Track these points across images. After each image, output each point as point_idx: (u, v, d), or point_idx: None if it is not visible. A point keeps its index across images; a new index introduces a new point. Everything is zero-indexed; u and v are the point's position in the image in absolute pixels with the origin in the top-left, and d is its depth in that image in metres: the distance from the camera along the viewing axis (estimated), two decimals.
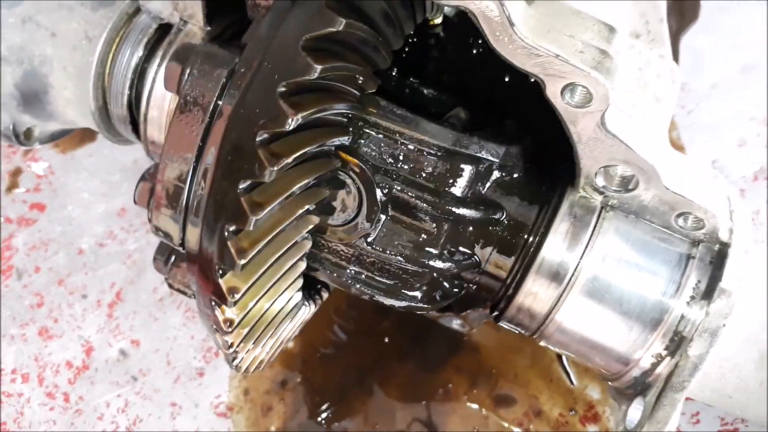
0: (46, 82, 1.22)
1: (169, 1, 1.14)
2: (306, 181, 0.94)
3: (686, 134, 1.82)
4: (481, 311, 1.42)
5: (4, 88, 1.23)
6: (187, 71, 0.98)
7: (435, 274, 1.11)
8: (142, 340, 1.78)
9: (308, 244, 1.03)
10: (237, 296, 0.95)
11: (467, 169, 1.05)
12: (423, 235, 1.07)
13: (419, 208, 1.06)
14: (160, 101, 1.18)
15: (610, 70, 0.88)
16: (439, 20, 1.19)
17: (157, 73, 1.18)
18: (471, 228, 1.08)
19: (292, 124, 0.87)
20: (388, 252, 1.09)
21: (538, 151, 1.14)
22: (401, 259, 1.10)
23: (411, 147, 1.04)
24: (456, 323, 1.69)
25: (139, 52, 1.19)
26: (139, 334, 1.78)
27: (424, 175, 1.05)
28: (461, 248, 1.09)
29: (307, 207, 0.97)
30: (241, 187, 0.89)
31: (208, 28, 1.16)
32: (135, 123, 1.26)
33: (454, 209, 1.05)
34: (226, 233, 0.91)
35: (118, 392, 1.73)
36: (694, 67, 1.87)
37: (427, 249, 1.08)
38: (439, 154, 1.04)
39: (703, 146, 1.82)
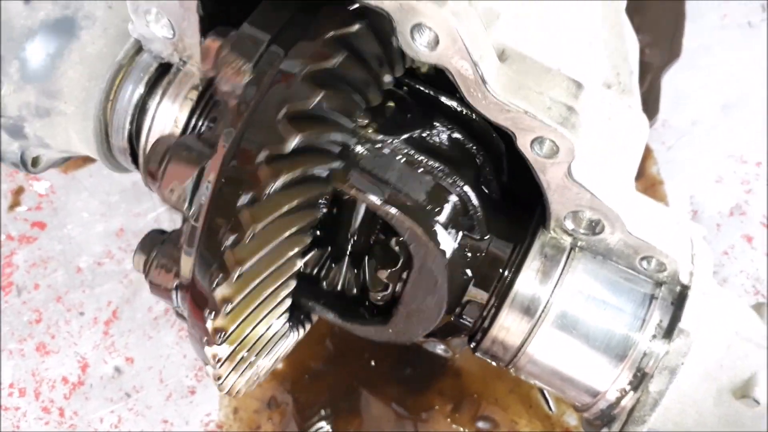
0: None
1: (170, 42, 1.21)
2: (287, 234, 1.00)
3: (665, 169, 1.89)
4: (463, 337, 1.49)
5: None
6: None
7: None
8: (136, 358, 1.84)
9: (298, 263, 1.08)
10: (224, 337, 1.01)
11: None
12: None
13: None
14: (158, 136, 1.25)
15: (576, 125, 0.95)
16: (425, 69, 1.25)
17: (156, 109, 1.25)
18: None
19: (290, 145, 0.93)
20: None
21: (516, 188, 1.21)
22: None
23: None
24: (440, 348, 1.75)
25: (141, 89, 1.26)
26: (133, 352, 1.84)
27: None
28: None
29: (290, 254, 1.03)
30: (225, 243, 0.95)
31: (207, 68, 1.22)
32: (135, 154, 1.33)
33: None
34: (213, 281, 0.97)
35: (112, 408, 1.79)
36: (676, 104, 1.94)
37: None
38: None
39: (682, 181, 1.88)
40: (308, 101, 0.92)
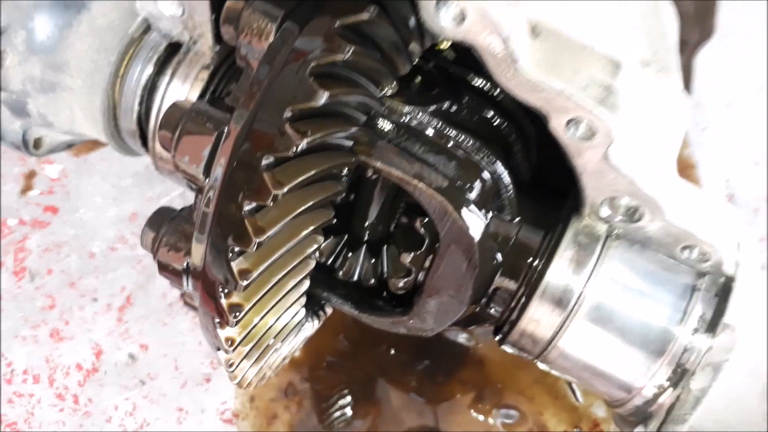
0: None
1: (180, 20, 1.14)
2: (310, 203, 0.95)
3: (699, 152, 1.80)
4: (486, 327, 1.43)
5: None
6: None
7: None
8: (150, 345, 1.80)
9: (312, 263, 1.04)
10: (239, 316, 0.96)
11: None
12: None
13: None
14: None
15: (615, 106, 0.87)
16: (446, 45, 1.18)
17: (166, 90, 1.19)
18: None
19: (297, 149, 0.88)
20: None
21: (544, 174, 1.14)
22: None
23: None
24: (462, 337, 1.69)
25: (149, 70, 1.20)
26: (148, 339, 1.81)
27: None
28: None
29: (311, 228, 0.98)
30: (245, 209, 0.90)
31: (217, 48, 1.16)
32: (144, 137, 1.27)
33: None
34: (230, 254, 0.91)
35: (127, 395, 1.76)
36: (710, 84, 1.85)
37: None
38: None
39: (717, 165, 1.80)
40: (336, 55, 0.85)
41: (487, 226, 1.03)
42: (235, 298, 0.96)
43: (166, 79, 1.19)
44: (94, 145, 2.03)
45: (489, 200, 1.04)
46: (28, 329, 1.83)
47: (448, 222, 1.00)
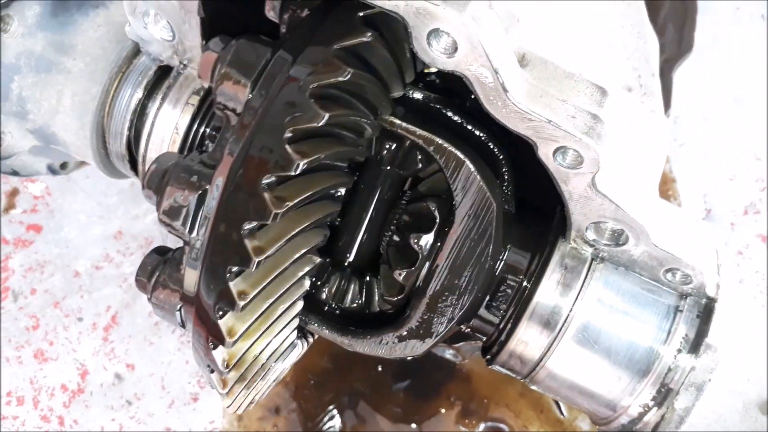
0: (55, 137, 1.25)
1: (170, 44, 1.15)
2: (308, 223, 0.96)
3: (677, 167, 1.84)
4: (473, 344, 1.45)
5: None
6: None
7: None
8: (137, 364, 1.79)
9: (307, 284, 1.05)
10: (235, 337, 0.97)
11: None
12: None
13: None
14: (158, 143, 1.19)
15: (601, 135, 0.90)
16: (434, 69, 1.20)
17: (157, 115, 1.20)
18: None
19: (297, 169, 0.89)
20: None
21: (531, 198, 1.16)
22: None
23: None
24: (449, 353, 1.71)
25: (139, 94, 1.20)
26: (134, 358, 1.80)
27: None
28: None
29: (308, 248, 0.99)
30: (245, 228, 0.90)
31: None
32: (133, 160, 1.27)
33: None
34: (228, 274, 0.92)
35: (113, 416, 1.75)
36: (688, 100, 1.89)
37: None
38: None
39: (695, 179, 1.84)
40: (337, 77, 0.88)
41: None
42: (231, 320, 0.96)
43: (156, 103, 1.20)
44: (78, 163, 2.02)
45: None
46: (11, 350, 1.81)
47: (472, 186, 1.01)
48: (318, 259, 1.03)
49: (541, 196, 1.11)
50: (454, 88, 1.10)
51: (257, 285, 0.94)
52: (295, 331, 1.14)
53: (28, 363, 1.80)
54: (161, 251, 1.10)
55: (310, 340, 1.25)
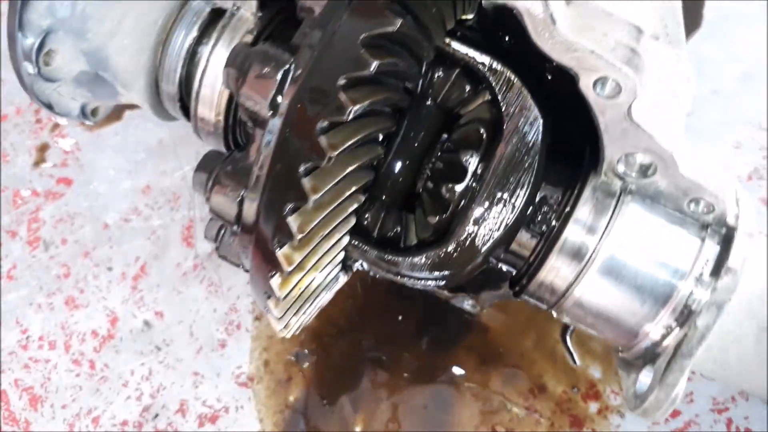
0: (107, 61, 1.29)
1: None
2: (357, 164, 1.03)
3: (686, 136, 1.93)
4: (492, 292, 1.53)
5: (71, 74, 1.30)
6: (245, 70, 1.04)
7: None
8: (165, 312, 1.86)
9: (353, 220, 1.12)
10: (292, 266, 1.04)
11: None
12: None
13: None
14: (212, 80, 1.26)
15: (639, 67, 0.98)
16: (470, 16, 1.28)
17: (210, 55, 1.26)
18: None
19: (350, 114, 0.96)
20: None
21: (562, 136, 1.24)
22: None
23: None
24: (467, 304, 1.77)
25: (194, 33, 1.27)
26: (162, 306, 1.86)
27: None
28: None
29: (356, 187, 1.06)
30: (302, 169, 0.98)
31: (260, 14, 1.24)
32: (183, 101, 1.34)
33: None
34: (286, 210, 0.99)
35: (142, 361, 1.81)
36: (697, 73, 1.97)
37: None
38: None
39: (701, 147, 1.93)
40: (387, 28, 0.95)
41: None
42: (288, 250, 1.04)
43: (210, 43, 1.26)
44: (107, 119, 2.08)
45: None
46: (43, 297, 1.87)
47: (521, 102, 1.12)
48: (363, 197, 1.11)
49: (569, 140, 1.19)
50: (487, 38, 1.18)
51: (312, 221, 1.02)
52: (340, 264, 1.21)
53: (59, 309, 1.86)
54: (220, 154, 1.17)
55: (350, 273, 1.33)
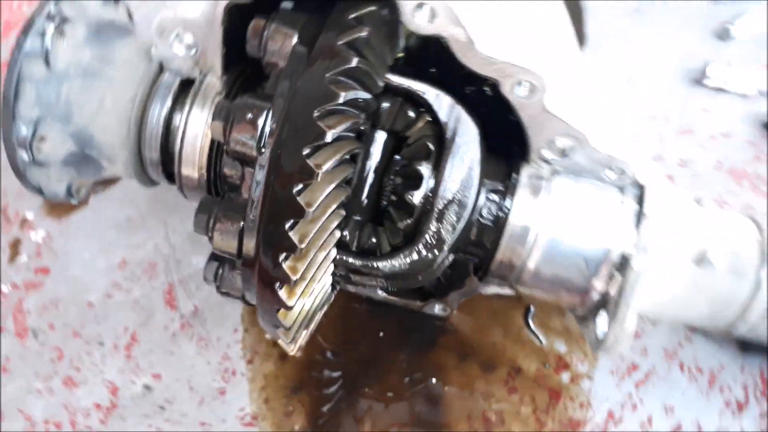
0: (92, 140, 1.46)
1: (192, 58, 1.43)
2: (338, 181, 1.24)
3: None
4: (458, 291, 1.75)
5: (60, 157, 1.44)
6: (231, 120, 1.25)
7: None
8: (162, 374, 1.96)
9: (338, 234, 1.32)
10: (298, 275, 1.21)
11: None
12: None
13: None
14: (192, 141, 1.44)
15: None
16: (400, 54, 1.53)
17: (187, 119, 1.45)
18: None
19: (329, 137, 1.17)
20: None
21: (494, 139, 1.48)
22: None
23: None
24: (438, 309, 1.97)
25: (168, 104, 1.45)
26: (158, 369, 1.97)
27: None
28: None
29: (338, 203, 1.26)
30: (294, 190, 1.17)
31: (224, 78, 1.45)
32: (164, 165, 1.51)
33: None
34: (286, 226, 1.18)
35: (149, 423, 1.90)
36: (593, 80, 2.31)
37: None
38: None
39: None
40: (347, 65, 1.18)
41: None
42: (292, 262, 1.22)
43: (185, 109, 1.45)
44: (72, 208, 2.21)
45: None
46: (40, 383, 1.95)
47: (457, 115, 1.34)
48: (344, 213, 1.31)
49: (501, 141, 1.44)
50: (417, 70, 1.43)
51: (309, 232, 1.20)
52: (330, 279, 1.40)
53: (58, 391, 1.93)
54: (212, 199, 1.35)
55: (337, 287, 1.52)
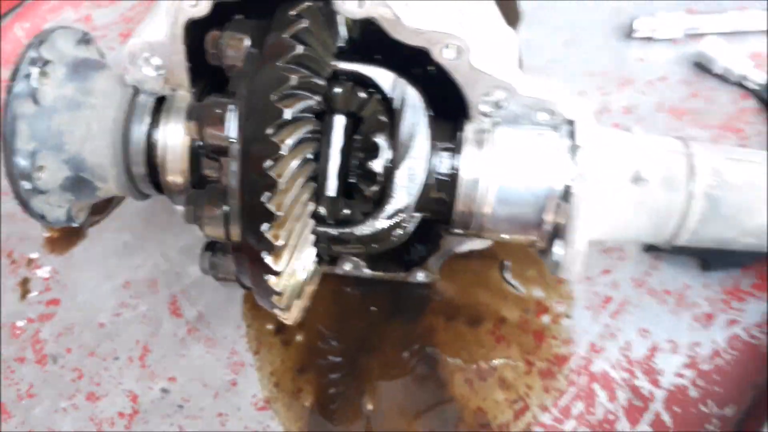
0: (84, 163, 1.63)
1: (161, 78, 1.60)
2: (304, 155, 1.41)
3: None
4: (436, 255, 1.92)
5: (57, 183, 1.60)
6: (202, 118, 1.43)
7: None
8: (177, 376, 2.11)
9: (312, 206, 1.48)
10: (279, 241, 1.37)
11: None
12: None
13: None
14: (174, 150, 1.61)
15: (468, 31, 1.42)
16: (342, 44, 1.71)
17: (166, 131, 1.62)
18: None
19: (288, 115, 1.34)
20: None
21: (437, 104, 1.66)
22: None
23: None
24: (421, 276, 2.14)
25: (147, 121, 1.62)
26: (172, 372, 2.12)
27: None
28: None
29: (306, 175, 1.43)
30: (264, 165, 1.34)
31: (193, 90, 1.63)
32: (152, 176, 1.68)
33: None
34: (263, 197, 1.34)
35: (171, 421, 2.04)
36: (531, 51, 2.50)
37: None
38: None
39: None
40: (295, 52, 1.36)
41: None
42: (273, 230, 1.37)
43: (163, 123, 1.62)
44: (72, 242, 2.36)
45: None
46: (65, 401, 2.09)
47: (403, 89, 1.53)
48: (314, 184, 1.48)
49: (443, 105, 1.62)
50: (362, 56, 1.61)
51: (284, 200, 1.36)
52: (315, 252, 1.56)
53: (83, 406, 2.08)
54: (195, 192, 1.51)
55: (323, 262, 1.67)
